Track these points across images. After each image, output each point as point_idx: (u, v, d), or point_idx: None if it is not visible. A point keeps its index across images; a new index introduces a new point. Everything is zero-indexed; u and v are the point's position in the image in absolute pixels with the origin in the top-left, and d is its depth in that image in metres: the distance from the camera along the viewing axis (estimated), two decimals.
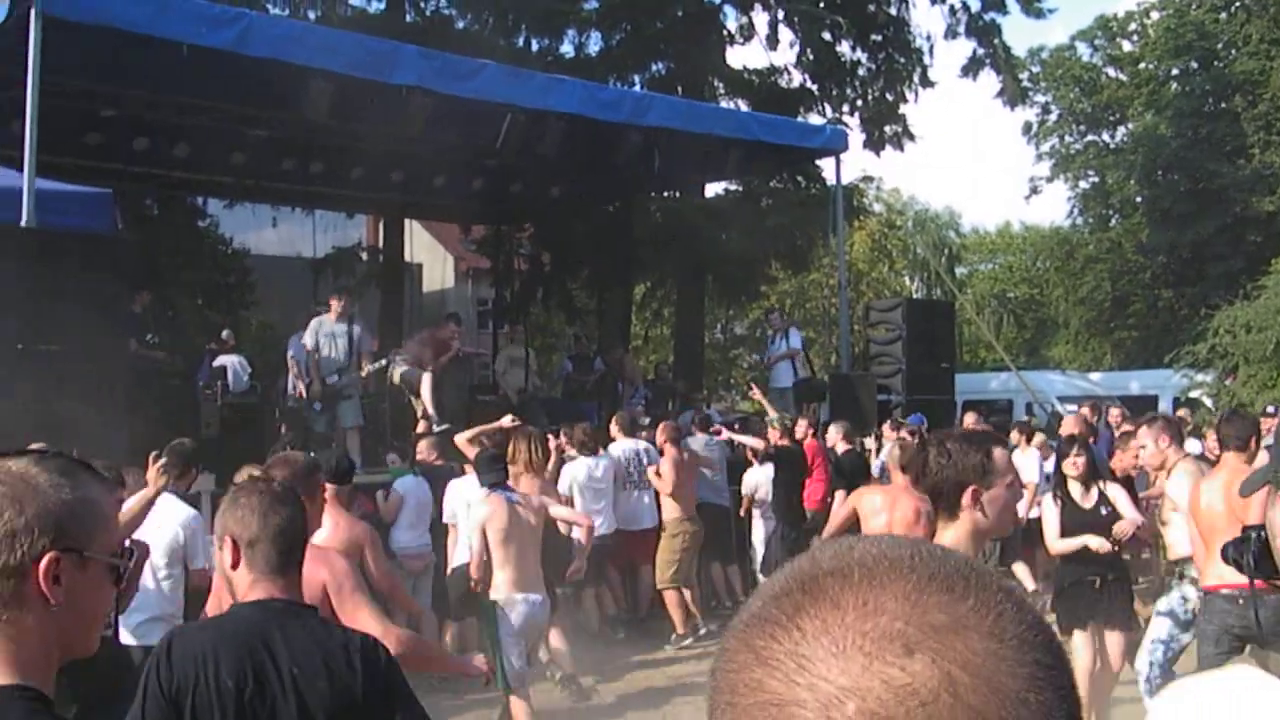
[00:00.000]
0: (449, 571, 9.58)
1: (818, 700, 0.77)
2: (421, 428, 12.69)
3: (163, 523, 6.53)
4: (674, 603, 11.34)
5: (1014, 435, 13.34)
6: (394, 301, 21.00)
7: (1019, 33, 68.78)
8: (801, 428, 13.02)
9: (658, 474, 11.57)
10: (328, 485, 6.98)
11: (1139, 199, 38.84)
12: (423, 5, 19.91)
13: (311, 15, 18.22)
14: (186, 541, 6.64)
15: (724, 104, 21.98)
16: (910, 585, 0.81)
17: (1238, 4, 35.88)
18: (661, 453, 11.76)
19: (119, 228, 13.68)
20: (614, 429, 12.08)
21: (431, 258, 34.29)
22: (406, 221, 21.07)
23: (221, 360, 14.38)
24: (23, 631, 1.73)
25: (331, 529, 6.85)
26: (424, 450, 10.91)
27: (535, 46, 20.78)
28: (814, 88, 23.82)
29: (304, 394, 13.45)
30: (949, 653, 0.77)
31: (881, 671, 0.76)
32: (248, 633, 2.92)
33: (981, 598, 0.81)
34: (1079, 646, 7.64)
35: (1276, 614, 5.90)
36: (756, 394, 14.63)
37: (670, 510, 11.56)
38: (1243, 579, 5.06)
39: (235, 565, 3.01)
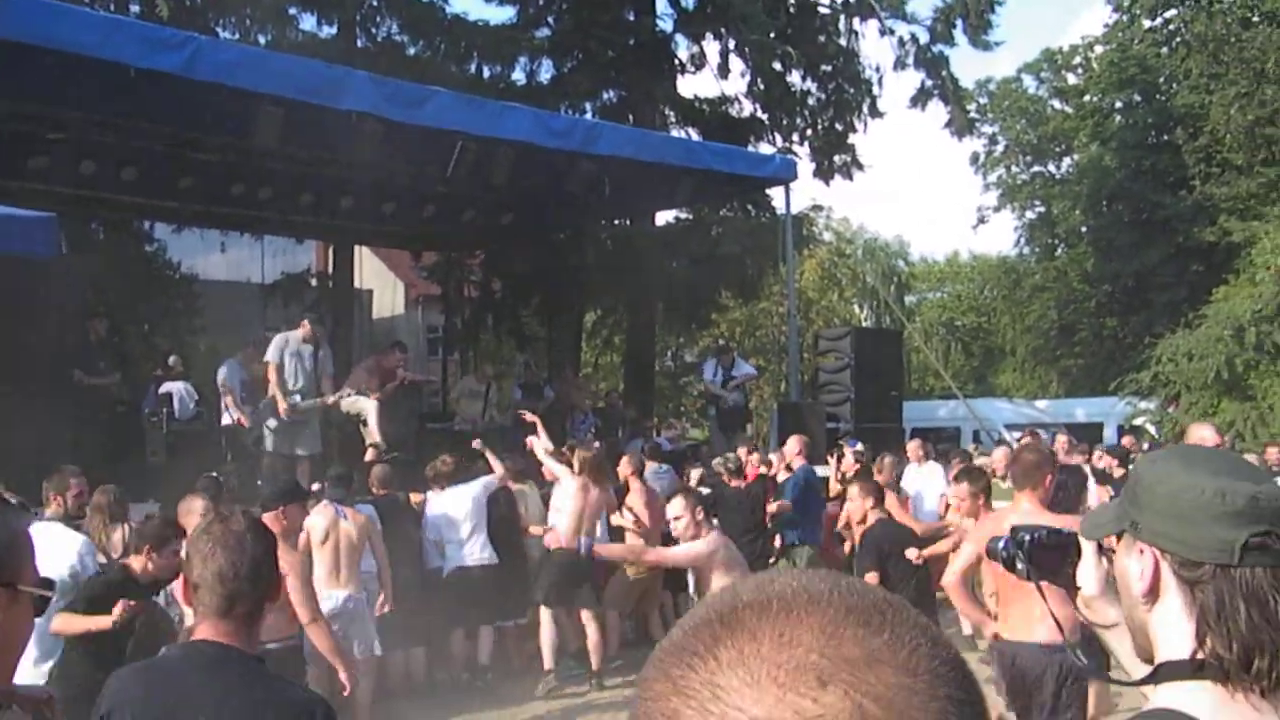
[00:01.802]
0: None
1: None
2: (370, 456, 12.59)
3: (56, 552, 6.38)
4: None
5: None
6: (344, 328, 20.88)
7: (967, 65, 69.85)
8: (741, 454, 13.05)
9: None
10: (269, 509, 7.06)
11: (1084, 229, 39.31)
12: (374, 31, 19.84)
13: (261, 40, 18.15)
14: (87, 568, 6.50)
15: (675, 132, 22.13)
16: (826, 618, 0.81)
17: (1178, 39, 36.40)
18: (626, 487, 11.73)
19: (63, 252, 13.57)
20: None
21: (382, 284, 34.15)
22: (356, 248, 20.97)
23: (168, 387, 14.22)
24: None
25: None
26: (375, 480, 10.82)
27: (487, 73, 20.78)
28: (764, 117, 23.99)
29: (244, 422, 13.26)
30: (862, 685, 0.77)
31: (795, 703, 0.77)
32: (167, 676, 2.85)
33: (897, 633, 0.81)
34: None
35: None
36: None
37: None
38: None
39: (188, 602, 2.94)
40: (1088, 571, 2.03)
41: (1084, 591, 2.02)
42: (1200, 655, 1.71)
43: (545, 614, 10.62)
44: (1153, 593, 1.79)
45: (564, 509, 10.77)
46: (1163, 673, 1.76)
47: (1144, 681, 1.79)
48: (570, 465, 11.02)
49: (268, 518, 6.95)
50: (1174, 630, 1.76)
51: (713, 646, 0.81)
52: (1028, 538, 2.16)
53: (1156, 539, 1.78)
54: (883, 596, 0.86)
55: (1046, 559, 2.10)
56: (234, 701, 2.75)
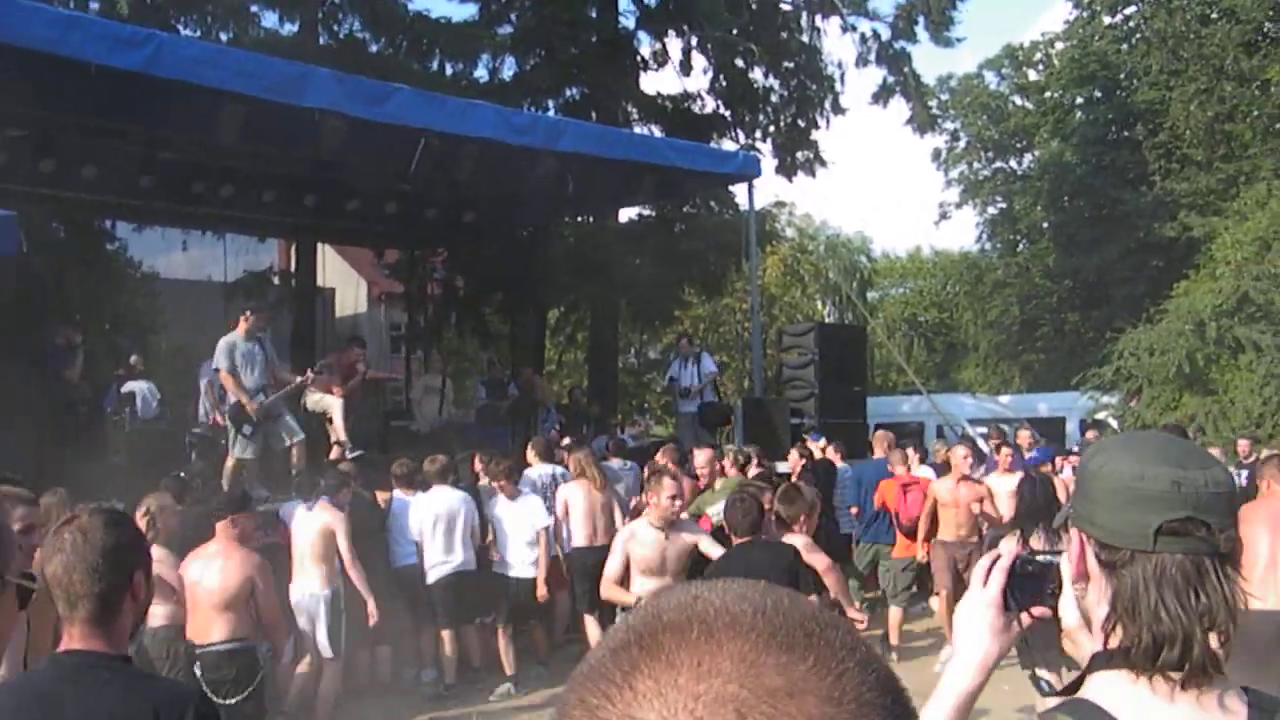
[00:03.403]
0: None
1: None
2: (335, 454, 12.55)
3: None
4: None
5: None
6: (306, 327, 20.75)
7: (928, 61, 70.13)
8: (704, 456, 13.07)
9: None
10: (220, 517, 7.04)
11: (1045, 224, 39.60)
12: (336, 28, 19.75)
13: (223, 37, 18.03)
14: None
15: (637, 129, 22.13)
16: (748, 645, 0.78)
17: (1138, 36, 36.72)
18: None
19: (23, 250, 13.45)
20: (530, 454, 12.05)
21: (344, 282, 33.93)
22: (319, 246, 20.86)
23: (130, 386, 14.16)
24: None
25: (223, 562, 6.89)
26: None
27: (449, 71, 20.71)
28: (727, 113, 24.04)
29: (220, 421, 13.13)
30: (783, 717, 0.74)
31: None
32: (35, 692, 2.75)
33: (822, 657, 0.78)
34: None
35: None
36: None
37: None
38: None
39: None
40: (1068, 602, 1.93)
41: (1065, 623, 1.97)
42: (1112, 643, 1.72)
43: (590, 621, 10.60)
44: (1083, 578, 1.81)
45: (575, 511, 11.00)
46: (1094, 663, 1.76)
47: (1080, 678, 1.78)
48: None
49: (220, 526, 6.96)
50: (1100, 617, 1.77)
51: (630, 675, 0.78)
52: (1017, 562, 2.08)
53: (1080, 523, 1.80)
54: (810, 615, 0.82)
55: (1024, 588, 2.04)
56: (104, 708, 2.70)
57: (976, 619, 2.01)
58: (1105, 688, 1.71)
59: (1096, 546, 1.77)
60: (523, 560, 10.60)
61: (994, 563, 2.04)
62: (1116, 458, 1.77)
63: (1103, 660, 1.74)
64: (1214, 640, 1.67)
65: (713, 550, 7.54)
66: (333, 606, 9.54)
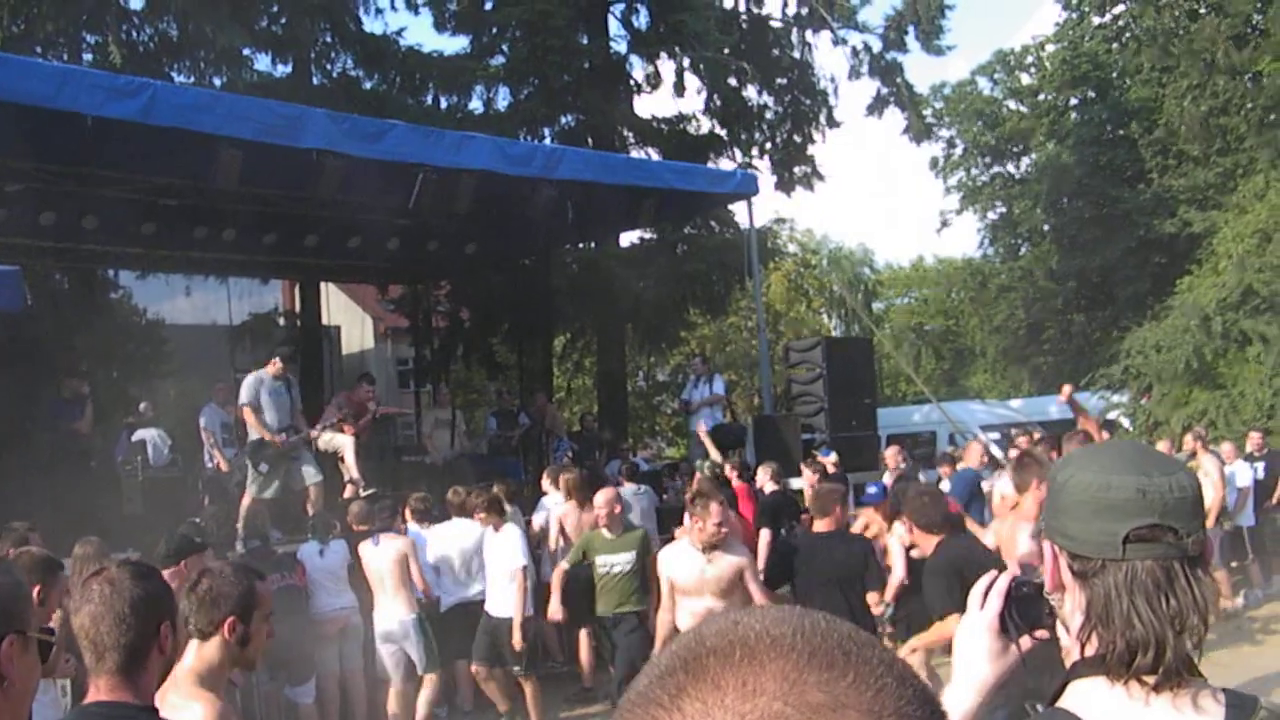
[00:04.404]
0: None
1: None
2: (349, 492, 12.53)
3: None
4: None
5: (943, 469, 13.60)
6: (313, 365, 20.79)
7: (921, 70, 70.23)
8: (604, 497, 13.03)
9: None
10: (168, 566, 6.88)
11: (1046, 227, 39.54)
12: (329, 67, 19.83)
13: (217, 82, 18.09)
14: None
15: (634, 153, 22.18)
16: (790, 664, 0.80)
17: (1128, 34, 36.77)
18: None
19: (28, 304, 13.49)
20: (545, 483, 12.04)
21: (349, 319, 34.07)
22: (323, 284, 20.91)
23: (140, 434, 14.14)
24: None
25: None
26: (354, 517, 10.75)
27: (444, 104, 20.79)
28: (723, 133, 24.08)
29: (222, 465, 13.18)
30: None
31: None
32: None
33: (861, 673, 0.81)
34: None
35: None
36: (701, 431, 14.50)
37: None
38: None
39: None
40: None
41: (1064, 643, 1.92)
42: (1088, 651, 1.74)
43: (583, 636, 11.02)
44: (1058, 589, 1.82)
45: (568, 530, 11.12)
46: (1072, 672, 1.78)
47: (1061, 687, 1.79)
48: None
49: (168, 574, 6.78)
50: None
51: (677, 697, 0.80)
52: (1015, 583, 2.04)
53: (1053, 535, 1.82)
54: (848, 634, 0.85)
55: (1022, 610, 2.02)
56: None
57: (974, 643, 2.01)
58: (1082, 695, 1.73)
59: (1069, 557, 1.78)
60: (502, 596, 10.32)
61: (990, 584, 2.03)
62: (1082, 469, 1.79)
63: (1080, 668, 1.76)
64: (1187, 642, 1.69)
65: (755, 580, 7.64)
66: (421, 628, 9.87)
